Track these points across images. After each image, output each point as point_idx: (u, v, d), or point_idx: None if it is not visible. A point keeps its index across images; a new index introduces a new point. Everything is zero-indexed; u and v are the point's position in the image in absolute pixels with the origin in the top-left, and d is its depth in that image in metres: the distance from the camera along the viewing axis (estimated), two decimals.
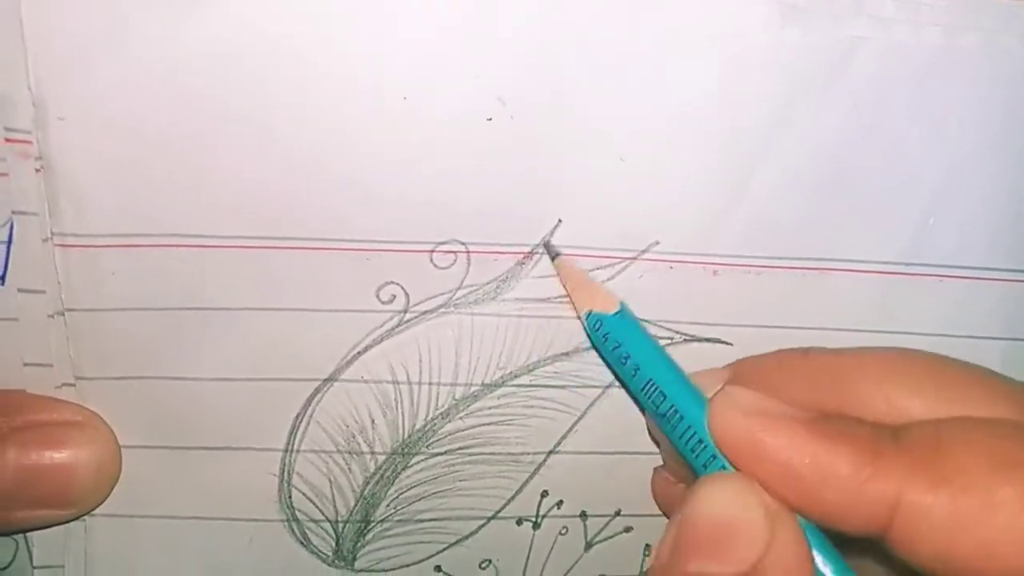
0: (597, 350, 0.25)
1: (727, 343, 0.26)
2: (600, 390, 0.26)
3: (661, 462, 0.26)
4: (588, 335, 0.24)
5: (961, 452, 0.18)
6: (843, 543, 0.19)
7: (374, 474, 0.25)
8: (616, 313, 0.23)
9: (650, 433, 0.26)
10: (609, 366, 0.24)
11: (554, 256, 0.24)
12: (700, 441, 0.20)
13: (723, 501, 0.19)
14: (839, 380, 0.21)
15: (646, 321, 0.25)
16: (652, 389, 0.22)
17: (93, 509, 0.24)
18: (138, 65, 0.21)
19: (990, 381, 0.20)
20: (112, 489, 0.24)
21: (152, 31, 0.21)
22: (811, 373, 0.21)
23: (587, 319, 0.24)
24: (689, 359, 0.25)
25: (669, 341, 0.25)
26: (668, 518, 0.22)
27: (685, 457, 0.21)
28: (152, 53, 0.21)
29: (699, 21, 0.23)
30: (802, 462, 0.18)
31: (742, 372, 0.23)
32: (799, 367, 0.22)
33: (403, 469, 0.26)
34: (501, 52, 0.23)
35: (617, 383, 0.26)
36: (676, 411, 0.21)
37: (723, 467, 0.20)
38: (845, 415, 0.20)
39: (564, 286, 0.24)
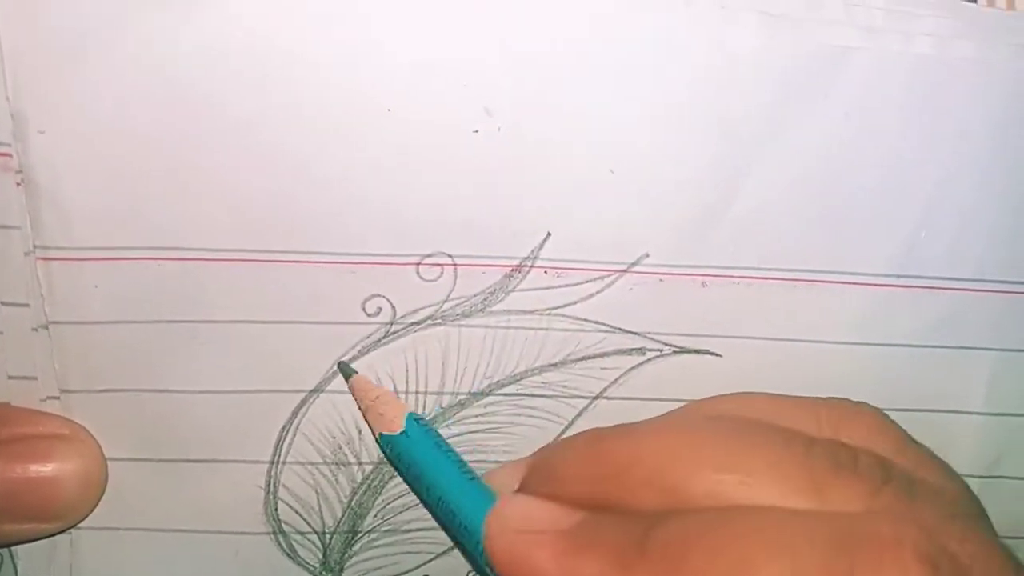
0: (396, 470, 0.24)
1: (716, 354, 0.26)
2: (588, 400, 0.26)
3: None
4: (385, 456, 0.24)
5: (704, 559, 0.17)
6: None
7: (361, 484, 0.25)
8: (402, 432, 0.23)
9: None
10: (410, 486, 0.24)
11: (348, 376, 0.24)
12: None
13: None
14: (620, 468, 0.19)
15: (635, 334, 0.25)
16: (445, 507, 0.22)
17: (79, 522, 0.24)
18: (118, 77, 0.21)
19: (783, 452, 0.19)
20: (98, 502, 0.24)
21: (132, 43, 0.21)
22: (598, 462, 0.20)
23: (380, 440, 0.24)
24: (679, 371, 0.26)
25: (659, 353, 0.25)
26: None
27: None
28: (133, 65, 0.21)
29: (688, 32, 0.23)
30: None
31: (538, 467, 0.22)
32: (585, 455, 0.20)
33: (390, 479, 0.25)
34: (488, 63, 0.22)
35: (607, 393, 0.26)
36: (467, 529, 0.21)
37: None
38: (605, 517, 0.19)
39: (358, 406, 0.24)
